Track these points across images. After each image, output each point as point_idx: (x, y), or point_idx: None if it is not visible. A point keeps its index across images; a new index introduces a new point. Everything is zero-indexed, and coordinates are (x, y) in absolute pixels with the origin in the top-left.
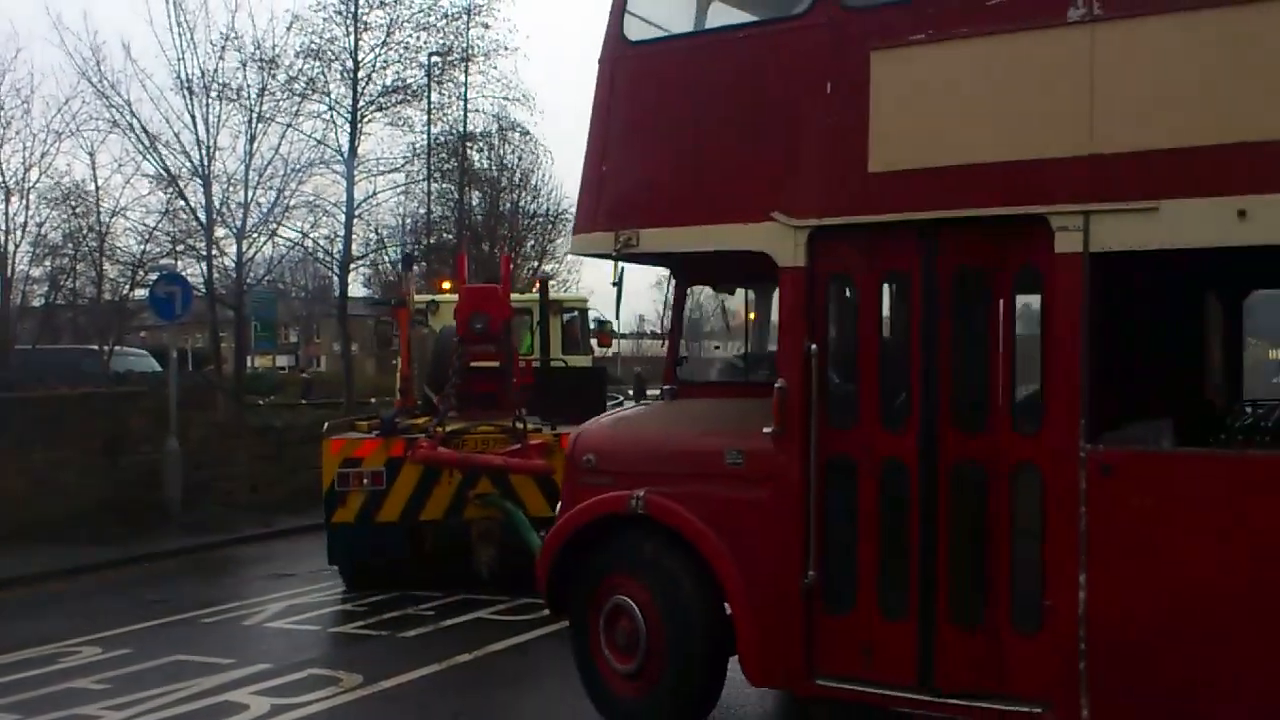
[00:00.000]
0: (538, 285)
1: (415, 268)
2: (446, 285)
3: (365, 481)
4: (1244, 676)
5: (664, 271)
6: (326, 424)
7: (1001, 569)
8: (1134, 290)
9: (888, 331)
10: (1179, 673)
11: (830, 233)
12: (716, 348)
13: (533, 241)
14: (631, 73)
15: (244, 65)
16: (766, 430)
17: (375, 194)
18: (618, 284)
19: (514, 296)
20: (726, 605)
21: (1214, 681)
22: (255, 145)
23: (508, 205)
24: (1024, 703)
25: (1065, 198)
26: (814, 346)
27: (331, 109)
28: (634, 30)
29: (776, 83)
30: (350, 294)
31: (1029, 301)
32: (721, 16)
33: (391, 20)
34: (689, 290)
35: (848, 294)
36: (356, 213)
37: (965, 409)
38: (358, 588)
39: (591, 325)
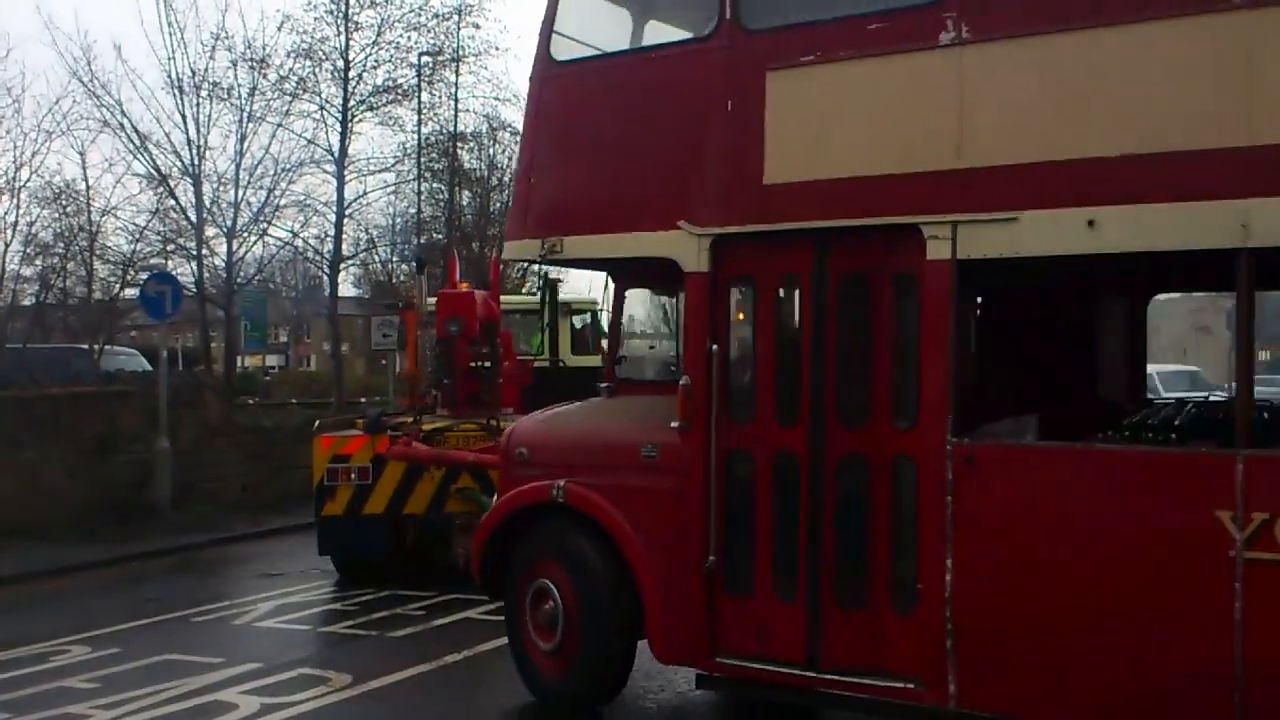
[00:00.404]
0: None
1: (408, 266)
2: (465, 286)
3: (352, 476)
4: (1095, 654)
5: None
6: (317, 422)
7: (881, 555)
8: (1029, 298)
9: (781, 333)
10: (1036, 650)
11: (730, 240)
12: (651, 348)
13: None
14: (556, 90)
15: (235, 65)
16: (673, 425)
17: (365, 194)
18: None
19: (521, 299)
20: (637, 589)
21: (1068, 658)
22: (246, 145)
23: (498, 205)
24: (898, 679)
25: (936, 209)
26: (715, 347)
27: (322, 108)
28: (560, 50)
29: (684, 100)
30: (340, 294)
31: (905, 305)
32: (656, 34)
33: (382, 20)
34: (627, 293)
35: (746, 298)
36: (347, 212)
37: (850, 405)
38: (348, 575)
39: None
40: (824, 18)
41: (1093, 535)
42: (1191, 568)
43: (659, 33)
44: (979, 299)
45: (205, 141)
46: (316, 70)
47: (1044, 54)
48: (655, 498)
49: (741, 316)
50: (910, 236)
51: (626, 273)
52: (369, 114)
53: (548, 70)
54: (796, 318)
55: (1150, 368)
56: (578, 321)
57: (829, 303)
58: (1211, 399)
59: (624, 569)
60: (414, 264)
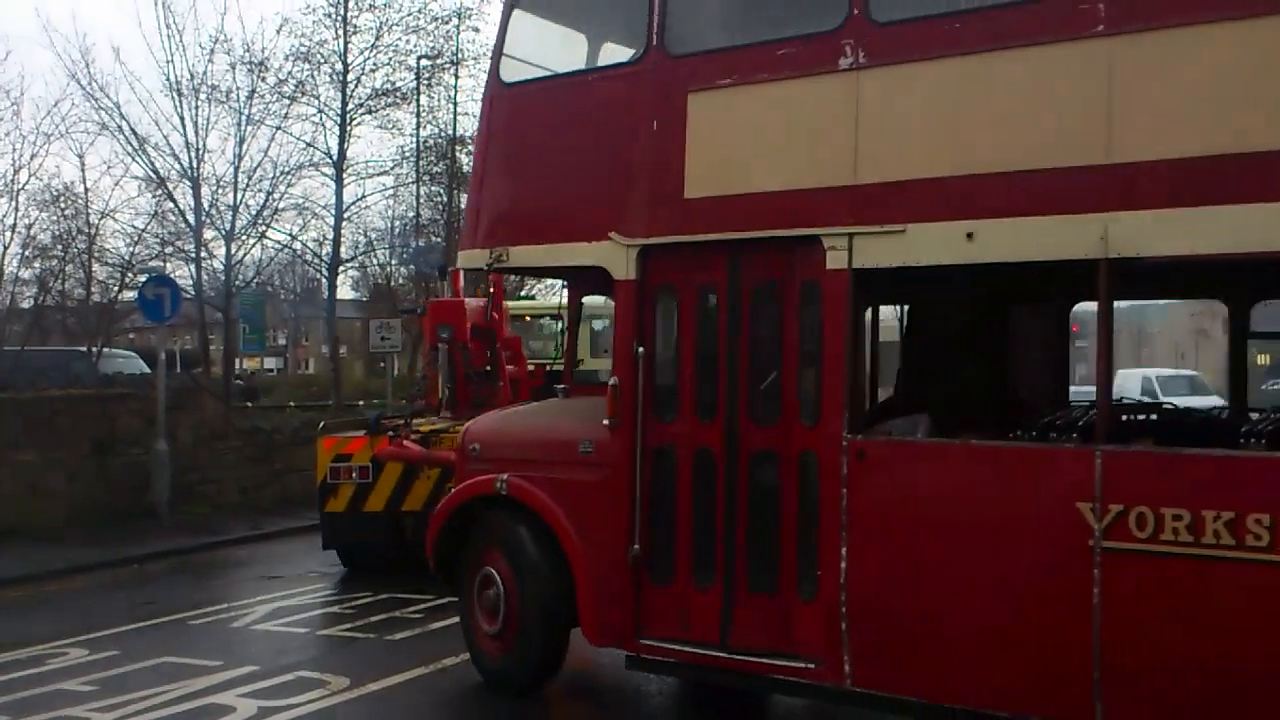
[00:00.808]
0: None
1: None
2: (492, 290)
3: (354, 475)
4: (974, 635)
5: None
6: (322, 423)
7: (789, 544)
8: (957, 306)
9: (701, 337)
10: (922, 633)
11: (655, 251)
12: (606, 351)
13: None
14: (504, 110)
15: (233, 68)
16: (604, 423)
17: (364, 197)
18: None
19: (531, 305)
20: (571, 576)
21: (950, 640)
22: (244, 147)
23: None
24: (801, 660)
25: (834, 222)
26: (641, 349)
27: (321, 112)
28: (509, 72)
29: (616, 120)
30: (339, 296)
31: (810, 311)
32: (611, 55)
33: (381, 24)
34: (583, 300)
35: (670, 304)
36: (345, 215)
37: (762, 404)
38: (351, 568)
39: None
40: (739, 44)
41: (970, 525)
42: (1056, 556)
43: (613, 54)
44: (907, 307)
45: (204, 144)
46: (315, 73)
47: (929, 78)
48: (589, 491)
49: (665, 321)
50: (813, 247)
51: (580, 280)
52: (367, 117)
53: (497, 91)
54: (714, 323)
55: (1149, 371)
56: (598, 325)
57: (743, 309)
58: (1136, 402)
59: (560, 557)
60: (437, 271)
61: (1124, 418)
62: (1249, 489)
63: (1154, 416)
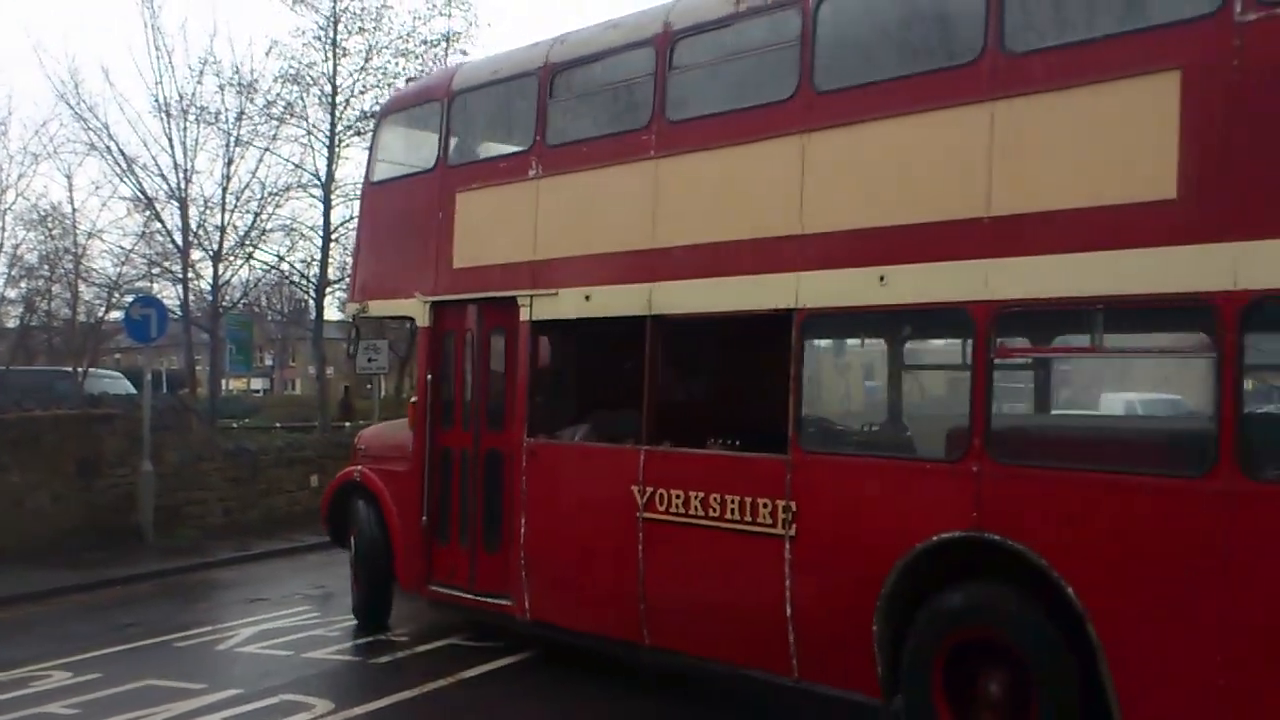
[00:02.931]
0: None
1: None
2: None
3: None
4: (591, 580)
5: None
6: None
7: (506, 516)
8: (699, 345)
9: (462, 368)
10: (561, 576)
11: (441, 305)
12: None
13: None
14: (369, 202)
15: (222, 89)
16: (409, 430)
17: (352, 218)
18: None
19: None
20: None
21: (579, 583)
22: (233, 169)
23: None
24: (508, 598)
25: (523, 286)
26: (430, 376)
27: (309, 133)
28: (376, 172)
29: (423, 211)
30: (326, 318)
31: (514, 349)
32: (488, 151)
33: (370, 46)
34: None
35: (450, 344)
36: (333, 237)
37: (494, 416)
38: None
39: None
40: (481, 160)
41: (582, 500)
42: (621, 522)
43: (491, 150)
44: (664, 345)
45: (192, 165)
46: (304, 95)
47: (568, 186)
48: (402, 479)
49: (447, 357)
50: (515, 304)
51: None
52: (356, 139)
53: (367, 187)
54: (471, 356)
55: (1131, 395)
56: None
57: (483, 349)
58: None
59: (385, 527)
60: None
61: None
62: (707, 477)
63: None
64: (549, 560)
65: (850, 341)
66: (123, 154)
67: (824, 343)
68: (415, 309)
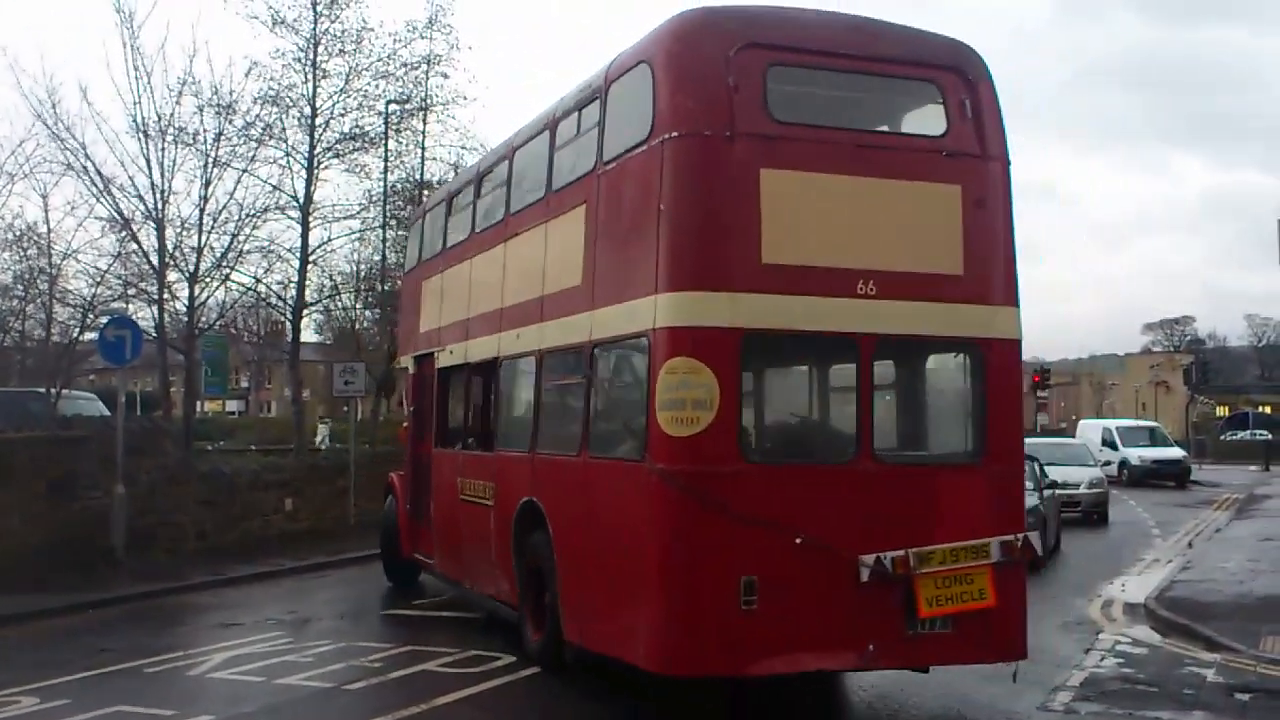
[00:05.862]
0: None
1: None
2: None
3: None
4: (455, 544)
5: None
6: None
7: (434, 497)
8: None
9: (428, 400)
10: (448, 540)
11: (417, 359)
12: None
13: None
14: (408, 284)
15: (201, 110)
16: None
17: (330, 240)
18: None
19: None
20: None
21: (447, 543)
22: (210, 190)
23: None
24: (431, 558)
25: (437, 344)
26: (412, 408)
27: (288, 155)
28: (410, 262)
29: (407, 295)
30: (302, 340)
31: (440, 385)
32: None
33: (351, 68)
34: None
35: (423, 384)
36: (311, 259)
37: (440, 433)
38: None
39: None
40: (434, 255)
41: (447, 485)
42: (456, 500)
43: (435, 250)
44: (483, 380)
45: (169, 186)
46: (283, 117)
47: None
48: (404, 477)
49: (423, 391)
50: (436, 354)
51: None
52: (335, 161)
53: (405, 275)
54: (429, 392)
55: (1110, 422)
56: None
57: (432, 386)
58: None
59: (396, 514)
60: None
61: None
62: (465, 467)
63: None
64: (443, 528)
65: (522, 376)
66: (99, 174)
67: (505, 378)
68: (405, 362)
